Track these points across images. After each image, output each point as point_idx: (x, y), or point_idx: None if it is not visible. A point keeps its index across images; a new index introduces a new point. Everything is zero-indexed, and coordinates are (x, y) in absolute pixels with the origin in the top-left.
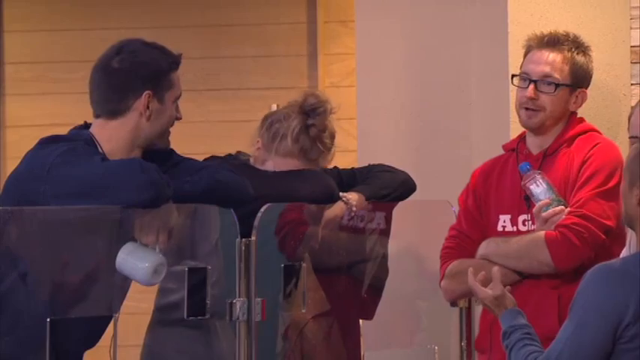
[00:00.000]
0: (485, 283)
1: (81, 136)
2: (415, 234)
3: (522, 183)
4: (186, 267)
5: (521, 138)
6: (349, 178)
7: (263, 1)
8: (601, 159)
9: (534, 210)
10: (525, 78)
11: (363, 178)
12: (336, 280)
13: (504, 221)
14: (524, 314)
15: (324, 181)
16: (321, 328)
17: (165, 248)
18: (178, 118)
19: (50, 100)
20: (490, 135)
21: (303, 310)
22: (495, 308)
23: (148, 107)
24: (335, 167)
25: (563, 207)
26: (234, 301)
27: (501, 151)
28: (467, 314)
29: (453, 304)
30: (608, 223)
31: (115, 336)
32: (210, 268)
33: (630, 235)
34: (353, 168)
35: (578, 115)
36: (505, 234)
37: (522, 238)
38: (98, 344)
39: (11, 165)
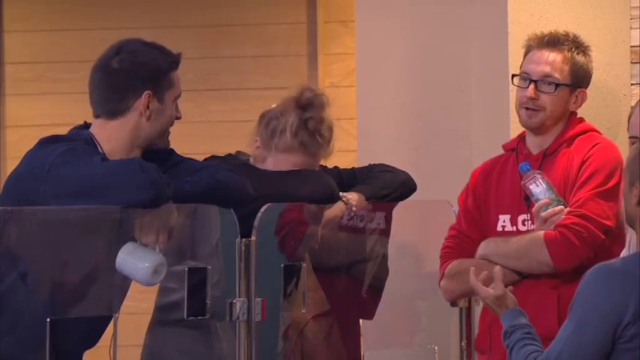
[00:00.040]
0: (488, 282)
1: (81, 136)
2: (415, 234)
3: (522, 183)
4: (187, 267)
5: (521, 138)
6: (350, 178)
7: (263, 1)
8: (601, 159)
9: (534, 210)
10: (525, 78)
11: (363, 178)
12: (336, 280)
13: (504, 221)
14: (526, 314)
15: (324, 180)
16: (321, 328)
17: (165, 248)
18: (178, 118)
19: (50, 100)
20: (490, 135)
21: (303, 310)
22: (497, 308)
23: (148, 107)
24: (335, 167)
25: (562, 207)
26: (234, 301)
27: (501, 151)
28: (467, 314)
29: (453, 304)
30: (608, 223)
31: (114, 336)
32: (210, 268)
33: (630, 235)
34: (353, 168)
35: (578, 115)
36: (505, 234)
37: (522, 238)
38: (98, 344)
39: (11, 165)
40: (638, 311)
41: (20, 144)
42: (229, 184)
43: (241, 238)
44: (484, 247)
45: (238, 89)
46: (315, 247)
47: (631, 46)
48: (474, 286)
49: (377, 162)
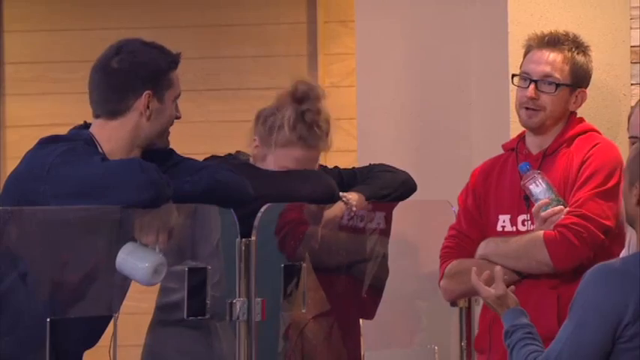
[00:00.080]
0: (489, 282)
1: (81, 136)
2: (415, 234)
3: (522, 183)
4: (187, 267)
5: (521, 138)
6: (350, 178)
7: (263, 1)
8: (600, 159)
9: (533, 210)
10: (526, 78)
11: (363, 177)
12: (336, 280)
13: (504, 221)
14: (527, 314)
15: (324, 180)
16: (321, 328)
17: (166, 248)
18: (178, 117)
19: (50, 100)
20: (490, 135)
21: (303, 310)
22: (498, 307)
23: (148, 107)
24: (336, 167)
25: (562, 207)
26: (234, 301)
27: (501, 151)
28: (467, 314)
29: (453, 304)
30: (608, 223)
31: (114, 336)
32: (210, 268)
33: (629, 234)
34: (354, 168)
35: (579, 115)
36: (504, 234)
37: (521, 237)
38: (98, 344)
39: (11, 165)
40: (638, 311)
41: (20, 144)
42: (229, 184)
43: (241, 238)
44: (484, 247)
45: (238, 89)
46: (315, 247)
47: (631, 46)
48: (475, 286)
49: (377, 162)
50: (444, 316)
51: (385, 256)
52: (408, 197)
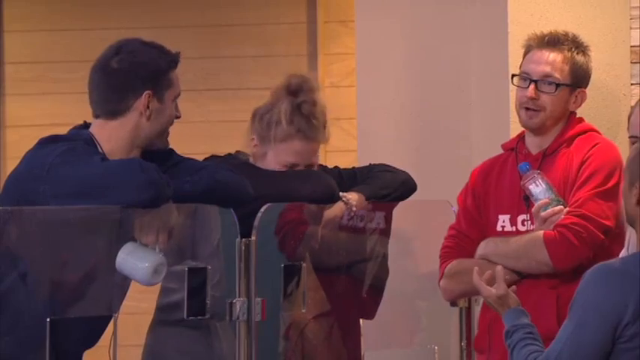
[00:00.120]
0: (491, 282)
1: (80, 135)
2: (415, 234)
3: (522, 183)
4: (187, 267)
5: (521, 138)
6: (350, 178)
7: (263, 1)
8: (600, 159)
9: (533, 209)
10: (526, 78)
11: (363, 177)
12: (337, 280)
13: (503, 221)
14: (528, 314)
15: (324, 180)
16: (321, 329)
17: (166, 248)
18: (178, 117)
19: (50, 100)
20: (490, 135)
21: (303, 310)
22: (499, 307)
23: (148, 107)
24: (336, 167)
25: (562, 207)
26: (234, 301)
27: (501, 151)
28: (467, 314)
29: (453, 303)
30: (607, 223)
31: (114, 336)
32: (210, 268)
33: (629, 234)
34: (354, 167)
35: (579, 115)
36: (504, 234)
37: (521, 237)
38: (98, 344)
39: (11, 165)
40: (638, 311)
41: (20, 144)
42: (229, 184)
43: (241, 238)
44: (483, 247)
45: (238, 89)
46: (315, 247)
47: (631, 46)
48: (477, 286)
49: (377, 162)
50: (443, 316)
51: (385, 256)
52: (408, 197)
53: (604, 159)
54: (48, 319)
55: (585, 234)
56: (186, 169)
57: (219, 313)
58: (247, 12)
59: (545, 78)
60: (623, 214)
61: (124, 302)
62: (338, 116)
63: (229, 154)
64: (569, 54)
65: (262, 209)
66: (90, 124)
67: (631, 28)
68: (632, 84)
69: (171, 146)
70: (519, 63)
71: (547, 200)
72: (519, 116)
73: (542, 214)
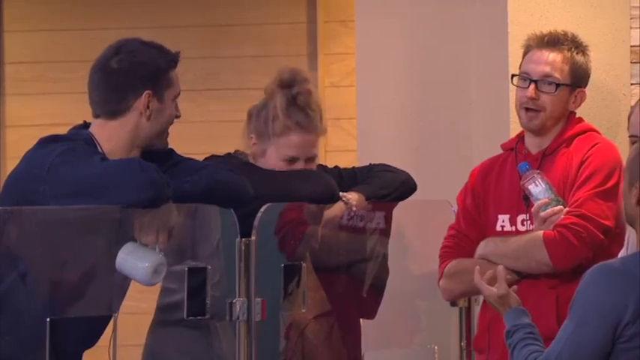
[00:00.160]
0: (492, 282)
1: (80, 135)
2: (415, 234)
3: (521, 183)
4: (187, 267)
5: (520, 137)
6: (350, 178)
7: (263, 1)
8: (600, 159)
9: (533, 209)
10: (525, 78)
11: (363, 177)
12: (337, 280)
13: (503, 221)
14: (529, 313)
15: (324, 180)
16: (322, 329)
17: (166, 248)
18: (177, 117)
19: (50, 100)
20: (490, 135)
21: (303, 310)
22: (500, 307)
23: (148, 107)
24: (336, 167)
25: (561, 207)
26: (234, 301)
27: (501, 151)
28: (466, 314)
29: (453, 303)
30: (607, 223)
31: (114, 335)
32: (210, 268)
33: (628, 234)
34: (354, 167)
35: (579, 115)
36: (504, 234)
37: (521, 237)
38: (97, 344)
39: (11, 165)
40: (638, 311)
41: (20, 144)
42: (229, 184)
43: (241, 237)
44: (483, 247)
45: (238, 89)
46: (315, 247)
47: (631, 46)
48: (478, 285)
49: (377, 162)
50: (443, 315)
51: (385, 256)
52: (408, 197)
53: (603, 159)
54: (48, 319)
55: (585, 234)
56: (186, 169)
57: (219, 313)
58: (247, 12)
59: (545, 78)
60: (622, 214)
61: (124, 302)
62: (338, 116)
63: (229, 154)
64: (569, 54)
65: (262, 209)
66: (90, 124)
67: (631, 28)
68: (632, 84)
69: (171, 146)
70: (519, 63)
71: (547, 200)
72: (519, 117)
73: (542, 213)
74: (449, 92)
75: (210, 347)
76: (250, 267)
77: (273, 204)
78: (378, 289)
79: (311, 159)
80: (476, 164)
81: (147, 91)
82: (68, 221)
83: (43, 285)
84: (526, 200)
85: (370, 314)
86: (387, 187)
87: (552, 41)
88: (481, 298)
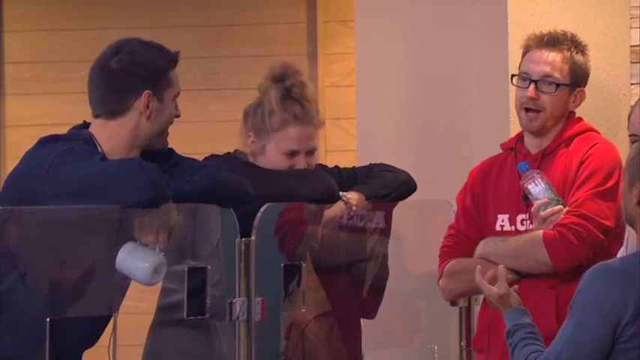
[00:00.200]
0: (493, 281)
1: (80, 135)
2: (415, 233)
3: (521, 182)
4: (187, 267)
5: (519, 137)
6: (350, 178)
7: (263, 1)
8: (599, 159)
9: (533, 209)
10: (525, 78)
11: (363, 177)
12: (337, 280)
13: (502, 221)
14: (529, 313)
15: (324, 180)
16: (322, 329)
17: (166, 248)
18: (177, 116)
19: (50, 100)
20: (490, 135)
21: (303, 310)
22: (500, 306)
23: (147, 106)
24: (336, 166)
25: (561, 206)
26: (234, 300)
27: (501, 151)
28: (466, 314)
29: (453, 303)
30: (607, 223)
31: (114, 335)
32: (210, 268)
33: (627, 233)
34: (354, 167)
35: (579, 115)
36: (503, 233)
37: (520, 237)
38: (98, 344)
39: (11, 165)
40: (638, 311)
41: (20, 144)
42: (229, 184)
43: (241, 237)
44: (483, 247)
45: (238, 89)
46: (315, 247)
47: (631, 46)
48: (479, 284)
49: (377, 162)
50: (443, 315)
51: (385, 256)
52: (408, 197)
53: (603, 159)
54: (48, 319)
55: (585, 234)
56: (186, 169)
57: (219, 312)
58: (247, 12)
59: (545, 78)
60: (622, 214)
61: (124, 302)
62: (338, 116)
63: (228, 154)
64: (569, 53)
65: (262, 209)
66: (89, 124)
67: (631, 28)
68: (632, 84)
69: (171, 146)
70: (519, 63)
71: (546, 200)
72: (519, 117)
73: (542, 213)
74: (449, 92)
75: (210, 347)
76: (250, 267)
77: (273, 204)
78: (378, 289)
79: (311, 152)
80: (476, 164)
81: (147, 91)
82: (68, 221)
83: (43, 285)
84: (525, 200)
85: (370, 314)
86: (387, 186)
87: (552, 41)
88: (481, 298)
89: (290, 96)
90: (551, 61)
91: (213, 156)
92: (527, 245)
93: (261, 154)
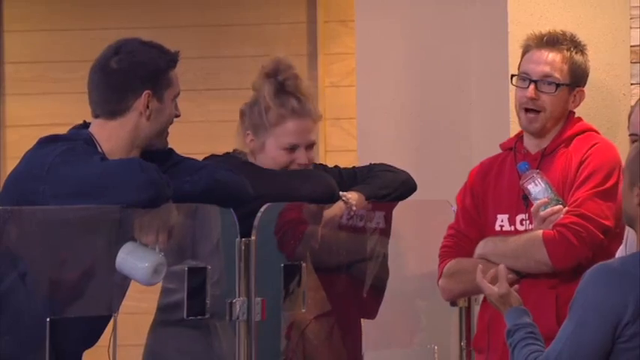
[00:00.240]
0: (494, 281)
1: (80, 135)
2: (415, 233)
3: (521, 182)
4: (187, 267)
5: (519, 137)
6: (350, 178)
7: (263, 1)
8: (599, 159)
9: (532, 209)
10: (525, 78)
11: (363, 177)
12: (337, 280)
13: (502, 221)
14: (530, 313)
15: (324, 180)
16: (322, 329)
17: (166, 248)
18: (177, 116)
19: (50, 100)
20: (490, 135)
21: (303, 310)
22: (501, 306)
23: (147, 106)
24: (336, 166)
25: (561, 206)
26: (234, 300)
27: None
28: (466, 314)
29: (453, 303)
30: (607, 223)
31: (114, 335)
32: (210, 268)
33: (627, 231)
34: (354, 167)
35: (579, 115)
36: (503, 233)
37: (520, 237)
38: (98, 344)
39: (11, 165)
40: (638, 311)
41: (20, 144)
42: (229, 184)
43: (241, 238)
44: (482, 247)
45: (238, 89)
46: (315, 247)
47: (631, 46)
48: (479, 284)
49: (377, 162)
50: (443, 315)
51: (385, 256)
52: (408, 197)
53: (603, 159)
54: (48, 319)
55: (585, 233)
56: (186, 169)
57: (219, 312)
58: (247, 12)
59: (545, 78)
60: (622, 214)
61: (124, 302)
62: (338, 116)
63: (228, 154)
64: (568, 53)
65: (262, 209)
66: (89, 124)
67: (631, 28)
68: (632, 84)
69: (171, 146)
70: (518, 63)
71: (546, 199)
72: (519, 118)
73: (542, 213)
74: (449, 92)
75: (211, 347)
76: (250, 267)
77: (273, 204)
78: (378, 289)
79: (310, 146)
80: (476, 164)
81: (146, 91)
82: (68, 221)
83: (42, 285)
84: (525, 200)
85: (371, 314)
86: (387, 186)
87: (551, 41)
88: (481, 298)
89: (284, 90)
90: (550, 61)
91: (212, 156)
92: (527, 245)
93: (260, 151)
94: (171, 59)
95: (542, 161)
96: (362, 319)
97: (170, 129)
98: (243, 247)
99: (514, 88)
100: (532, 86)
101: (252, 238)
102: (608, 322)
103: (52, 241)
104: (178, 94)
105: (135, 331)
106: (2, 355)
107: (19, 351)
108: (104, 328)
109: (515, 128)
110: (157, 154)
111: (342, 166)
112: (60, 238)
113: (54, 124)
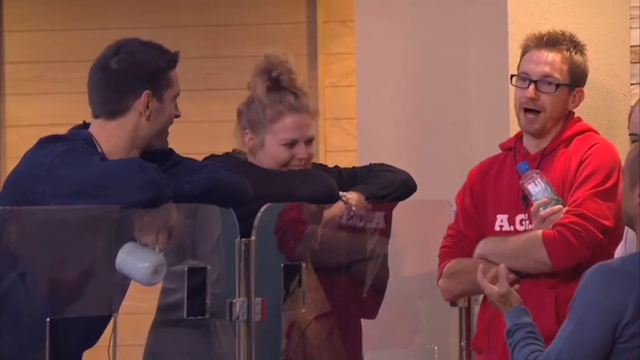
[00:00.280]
0: (494, 280)
1: (80, 135)
2: (415, 234)
3: (520, 182)
4: (187, 267)
5: (519, 137)
6: (350, 178)
7: (263, 1)
8: (599, 159)
9: (532, 208)
10: (525, 78)
11: (363, 177)
12: (337, 280)
13: (502, 221)
14: (530, 313)
15: (324, 180)
16: (322, 329)
17: (166, 248)
18: (177, 116)
19: (50, 100)
20: (490, 135)
21: (303, 310)
22: (501, 306)
23: (147, 107)
24: (336, 166)
25: (561, 206)
26: (234, 300)
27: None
28: (466, 314)
29: (453, 303)
30: (606, 223)
31: (114, 335)
32: (209, 267)
33: (626, 231)
34: (354, 167)
35: (579, 115)
36: (502, 233)
37: (520, 237)
38: (97, 344)
39: (11, 165)
40: (638, 310)
41: (20, 144)
42: (228, 184)
43: (241, 238)
44: (482, 247)
45: (238, 89)
46: (315, 247)
47: (631, 46)
48: (480, 283)
49: (377, 162)
50: (443, 315)
51: (385, 256)
52: (408, 197)
53: (602, 159)
54: (48, 319)
55: (584, 233)
56: (186, 169)
57: (219, 311)
58: (247, 12)
59: (545, 78)
60: (622, 214)
61: (124, 302)
62: (338, 116)
63: (227, 154)
64: (568, 53)
65: (262, 209)
66: (89, 124)
67: (631, 28)
68: (632, 84)
69: (171, 146)
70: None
71: (546, 199)
72: (519, 118)
73: (541, 213)
74: (449, 92)
75: (211, 347)
76: (250, 267)
77: (273, 204)
78: (378, 289)
79: (309, 141)
80: (476, 164)
81: (146, 91)
82: (68, 221)
83: (42, 285)
84: (525, 200)
85: (371, 314)
86: (387, 187)
87: (551, 41)
88: (480, 298)
89: (280, 85)
90: (550, 61)
91: (212, 156)
92: (527, 245)
93: (260, 149)
94: (171, 59)
95: (541, 161)
96: (362, 319)
97: (170, 129)
98: (243, 247)
99: (514, 88)
100: (532, 86)
101: (252, 238)
102: (608, 322)
103: (52, 241)
104: (178, 94)
105: (135, 331)
106: (2, 355)
107: (19, 351)
108: (104, 328)
109: (515, 128)
110: (156, 154)
111: (342, 166)
112: (60, 238)
113: (54, 124)
